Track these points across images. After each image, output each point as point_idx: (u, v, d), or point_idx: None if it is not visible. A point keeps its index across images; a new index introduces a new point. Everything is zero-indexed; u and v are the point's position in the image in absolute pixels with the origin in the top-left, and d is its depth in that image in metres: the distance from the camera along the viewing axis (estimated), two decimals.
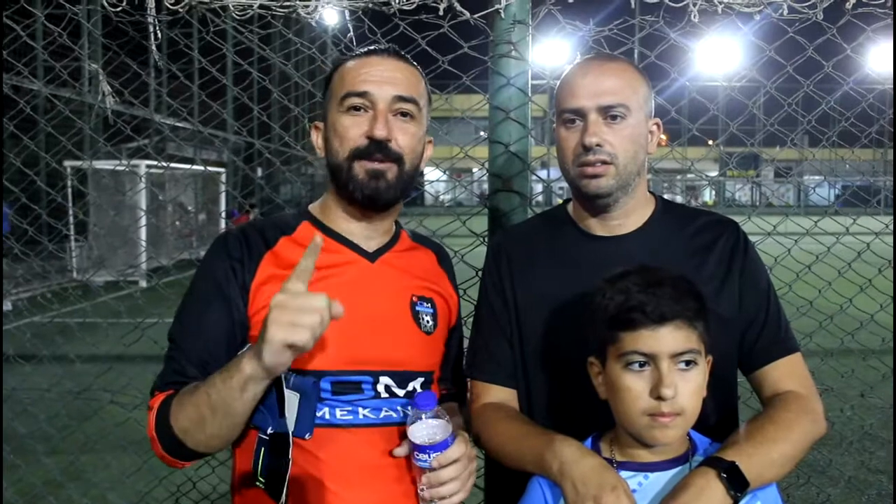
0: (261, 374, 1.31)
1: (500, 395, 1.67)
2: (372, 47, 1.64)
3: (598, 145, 1.55)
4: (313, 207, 1.70)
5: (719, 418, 1.57)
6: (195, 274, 1.60)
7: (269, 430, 1.47)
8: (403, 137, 1.56)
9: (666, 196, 2.17)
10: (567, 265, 1.66)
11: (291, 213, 1.71)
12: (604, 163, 1.56)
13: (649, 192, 1.73)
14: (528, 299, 1.67)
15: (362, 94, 1.54)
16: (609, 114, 1.56)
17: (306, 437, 1.47)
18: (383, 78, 1.56)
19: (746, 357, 1.61)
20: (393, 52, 1.63)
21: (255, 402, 1.37)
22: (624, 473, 1.37)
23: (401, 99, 1.56)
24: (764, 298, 1.62)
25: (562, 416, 1.60)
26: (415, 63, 1.66)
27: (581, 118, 1.58)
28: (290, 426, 1.46)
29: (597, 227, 1.67)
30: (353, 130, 1.55)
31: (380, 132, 1.52)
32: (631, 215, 1.66)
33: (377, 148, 1.54)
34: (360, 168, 1.55)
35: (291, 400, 1.47)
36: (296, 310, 1.24)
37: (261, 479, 1.47)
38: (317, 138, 1.67)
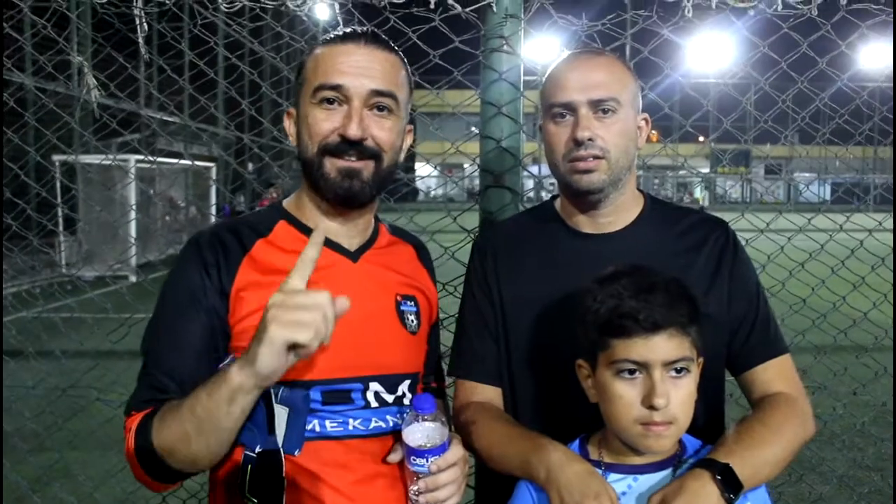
0: (252, 383, 1.21)
1: (485, 394, 1.64)
2: (348, 30, 1.51)
3: (589, 139, 1.52)
4: (288, 204, 1.58)
5: (707, 418, 1.55)
6: (167, 282, 1.47)
7: (258, 449, 1.39)
8: (380, 133, 1.47)
9: (656, 194, 2.14)
10: (555, 264, 1.63)
11: (265, 211, 1.60)
12: (596, 157, 1.53)
13: (638, 189, 1.70)
14: (514, 298, 1.64)
15: (336, 88, 1.44)
16: (600, 108, 1.53)
17: (296, 453, 1.40)
18: (359, 69, 1.45)
19: (735, 358, 1.59)
20: (371, 37, 1.50)
21: (243, 416, 1.27)
22: (613, 476, 1.35)
23: (377, 93, 1.45)
24: (753, 300, 1.60)
25: (548, 417, 1.58)
26: (395, 47, 1.53)
27: (571, 112, 1.55)
28: (280, 443, 1.39)
29: (586, 224, 1.64)
30: (324, 125, 1.45)
31: (353, 132, 1.42)
32: (620, 212, 1.63)
33: (350, 146, 1.44)
34: (332, 166, 1.46)
35: (280, 415, 1.39)
36: (297, 307, 1.17)
37: (250, 497, 1.39)
38: (289, 125, 1.56)
